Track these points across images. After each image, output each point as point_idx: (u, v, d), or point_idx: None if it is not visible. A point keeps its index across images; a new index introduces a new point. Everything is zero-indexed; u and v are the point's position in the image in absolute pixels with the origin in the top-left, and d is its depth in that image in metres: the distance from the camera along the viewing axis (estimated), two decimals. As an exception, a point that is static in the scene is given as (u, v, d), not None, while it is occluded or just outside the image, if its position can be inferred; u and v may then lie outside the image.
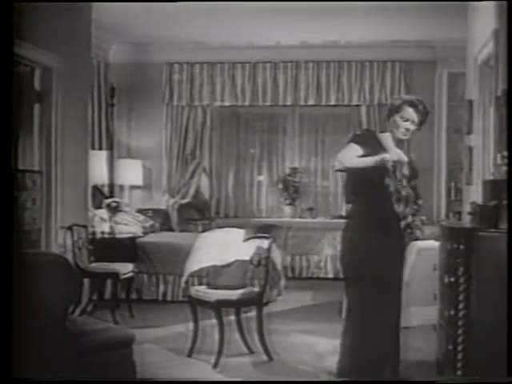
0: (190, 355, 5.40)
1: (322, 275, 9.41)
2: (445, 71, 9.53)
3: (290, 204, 10.09)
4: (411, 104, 4.37)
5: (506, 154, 4.70)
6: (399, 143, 4.42)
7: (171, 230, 9.60)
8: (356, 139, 4.34)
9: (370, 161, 4.15)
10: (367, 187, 4.30)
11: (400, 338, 4.46)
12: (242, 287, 5.44)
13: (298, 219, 9.96)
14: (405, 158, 4.22)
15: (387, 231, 4.32)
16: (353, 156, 4.21)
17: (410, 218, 5.97)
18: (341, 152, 4.28)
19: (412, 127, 4.38)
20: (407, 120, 4.36)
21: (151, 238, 8.19)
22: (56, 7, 6.23)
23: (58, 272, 3.93)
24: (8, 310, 3.49)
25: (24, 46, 5.60)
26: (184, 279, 6.00)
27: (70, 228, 6.55)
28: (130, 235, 7.94)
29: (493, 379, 3.95)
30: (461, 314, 4.32)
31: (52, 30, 6.25)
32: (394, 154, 4.19)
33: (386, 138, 4.42)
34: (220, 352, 5.19)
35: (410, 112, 4.36)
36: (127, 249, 7.69)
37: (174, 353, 5.53)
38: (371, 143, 4.34)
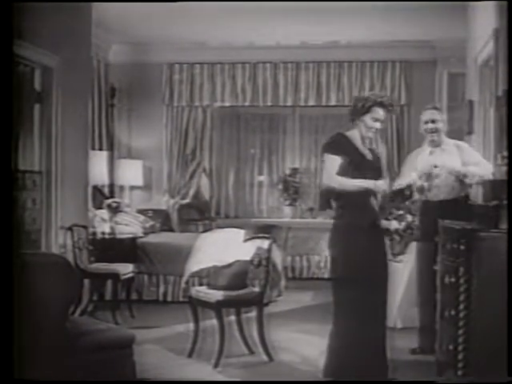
0: (190, 355, 5.41)
1: (322, 275, 9.40)
2: (445, 71, 9.52)
3: (290, 204, 10.09)
4: (382, 105, 4.43)
5: (505, 154, 4.70)
6: (365, 139, 4.53)
7: (171, 230, 9.60)
8: (330, 149, 4.43)
9: (361, 184, 4.33)
10: (351, 194, 4.37)
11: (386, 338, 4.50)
12: (243, 287, 5.44)
13: (298, 219, 9.96)
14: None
15: (373, 231, 4.41)
16: (335, 169, 4.33)
17: (410, 218, 6.02)
18: (324, 173, 4.43)
19: (380, 126, 4.49)
20: (377, 120, 4.45)
21: (151, 238, 8.18)
22: (56, 7, 6.23)
23: (58, 272, 3.93)
24: (8, 310, 3.48)
25: (24, 45, 5.59)
26: (184, 279, 6.00)
27: (70, 228, 6.55)
28: (131, 236, 7.94)
29: (493, 379, 3.95)
30: (461, 314, 4.32)
31: (52, 30, 6.24)
32: (383, 182, 4.38)
33: (355, 136, 4.48)
34: (220, 352, 5.19)
35: (380, 113, 4.44)
36: (127, 249, 7.69)
37: (175, 353, 5.53)
38: (344, 146, 4.44)
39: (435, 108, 5.66)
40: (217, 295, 5.29)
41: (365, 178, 4.38)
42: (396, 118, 9.66)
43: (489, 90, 6.26)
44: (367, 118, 4.43)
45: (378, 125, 4.46)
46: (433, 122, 5.54)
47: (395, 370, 4.60)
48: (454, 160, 5.47)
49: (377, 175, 4.47)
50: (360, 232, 4.36)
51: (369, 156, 4.51)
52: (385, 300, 4.50)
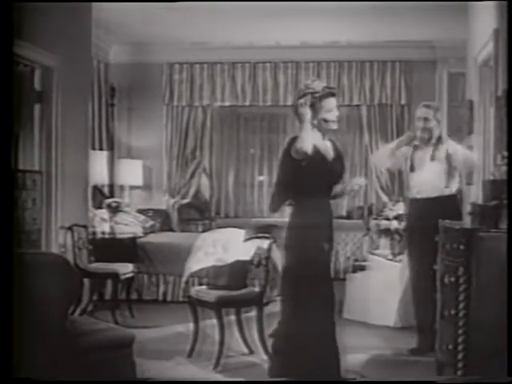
0: (190, 355, 5.40)
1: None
2: (445, 71, 9.53)
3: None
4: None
5: (505, 154, 4.70)
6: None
7: (171, 230, 9.60)
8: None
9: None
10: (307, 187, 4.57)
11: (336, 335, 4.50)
12: (243, 287, 5.44)
13: (298, 219, 9.93)
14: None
15: (327, 227, 4.69)
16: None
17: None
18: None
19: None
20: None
21: (151, 238, 8.19)
22: (56, 7, 6.22)
23: (57, 272, 3.93)
24: (8, 310, 3.49)
25: (24, 46, 5.59)
26: (184, 279, 6.00)
27: (70, 228, 6.54)
28: (131, 235, 7.94)
29: (493, 379, 3.95)
30: (461, 314, 4.32)
31: (52, 30, 6.24)
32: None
33: None
34: (220, 352, 5.18)
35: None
36: (127, 249, 7.69)
37: (174, 353, 5.53)
38: None
39: (427, 106, 5.65)
40: (217, 295, 5.29)
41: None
42: (396, 118, 9.67)
43: (489, 89, 6.26)
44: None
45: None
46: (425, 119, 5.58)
47: (394, 369, 4.60)
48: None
49: None
50: (313, 231, 4.57)
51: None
52: (330, 295, 4.49)
